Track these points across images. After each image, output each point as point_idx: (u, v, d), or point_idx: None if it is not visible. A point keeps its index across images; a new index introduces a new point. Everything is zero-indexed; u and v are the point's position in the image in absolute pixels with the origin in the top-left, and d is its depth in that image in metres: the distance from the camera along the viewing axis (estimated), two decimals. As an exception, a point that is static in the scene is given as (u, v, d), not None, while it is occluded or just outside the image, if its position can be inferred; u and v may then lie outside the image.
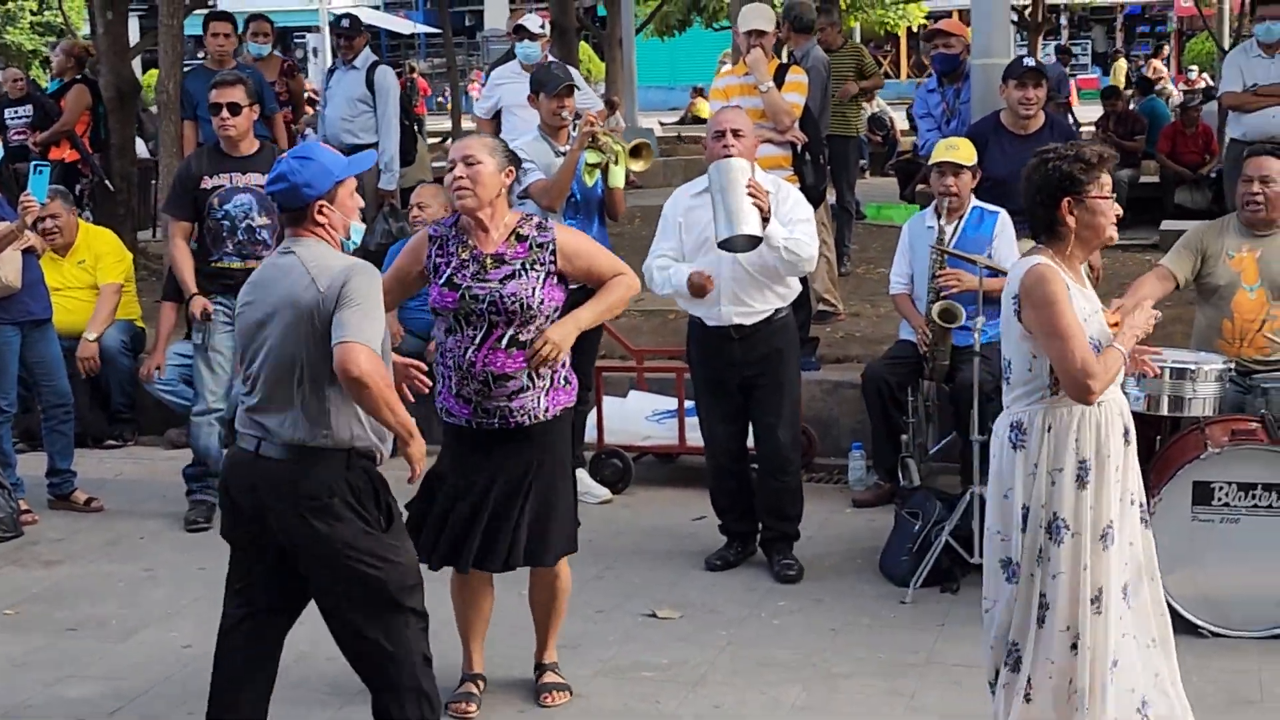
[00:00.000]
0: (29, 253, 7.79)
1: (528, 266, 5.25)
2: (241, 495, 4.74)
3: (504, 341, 5.23)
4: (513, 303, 5.21)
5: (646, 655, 5.96)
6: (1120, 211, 4.66)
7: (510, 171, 5.35)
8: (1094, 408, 4.56)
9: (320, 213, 4.69)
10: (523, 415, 5.29)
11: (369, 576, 4.67)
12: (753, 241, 6.40)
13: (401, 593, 4.74)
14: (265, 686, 4.96)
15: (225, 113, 7.58)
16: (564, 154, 7.56)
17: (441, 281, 5.30)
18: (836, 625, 6.20)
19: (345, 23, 10.98)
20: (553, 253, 5.30)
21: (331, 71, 11.04)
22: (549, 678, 5.62)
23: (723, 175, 6.37)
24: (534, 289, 5.23)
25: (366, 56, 10.84)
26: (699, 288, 6.61)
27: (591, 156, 7.42)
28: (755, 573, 6.83)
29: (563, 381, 5.39)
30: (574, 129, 7.63)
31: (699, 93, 34.28)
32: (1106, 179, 4.61)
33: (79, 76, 11.65)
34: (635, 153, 7.58)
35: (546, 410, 5.32)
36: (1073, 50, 40.02)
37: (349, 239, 4.80)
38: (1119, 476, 4.62)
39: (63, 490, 8.04)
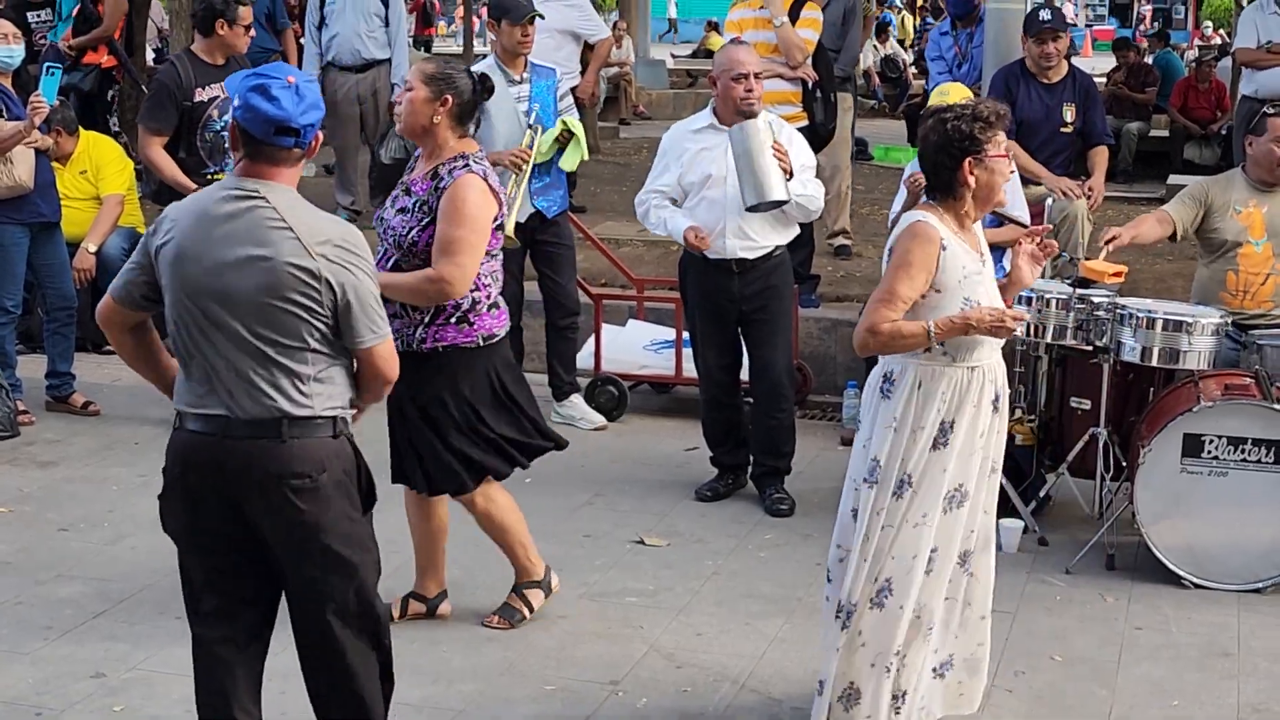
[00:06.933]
0: (41, 155, 7.77)
1: (418, 206, 5.11)
2: None
3: (388, 265, 5.13)
4: (390, 235, 5.16)
5: (632, 581, 6.01)
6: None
7: (447, 99, 5.10)
8: (966, 370, 4.48)
9: None
10: (398, 339, 5.02)
11: None
12: (780, 205, 6.43)
13: None
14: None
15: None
16: (517, 82, 7.45)
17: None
18: (822, 560, 6.20)
19: None
20: (439, 199, 5.10)
21: None
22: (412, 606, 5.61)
23: (747, 138, 6.32)
24: (411, 229, 5.10)
25: None
26: (695, 248, 6.59)
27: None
28: (744, 506, 6.87)
29: (457, 320, 5.19)
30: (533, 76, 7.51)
31: (713, 27, 34.11)
32: (1002, 137, 4.49)
33: (118, -21, 11.49)
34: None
35: (423, 342, 5.18)
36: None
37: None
38: (983, 443, 4.56)
39: (61, 392, 8.07)
